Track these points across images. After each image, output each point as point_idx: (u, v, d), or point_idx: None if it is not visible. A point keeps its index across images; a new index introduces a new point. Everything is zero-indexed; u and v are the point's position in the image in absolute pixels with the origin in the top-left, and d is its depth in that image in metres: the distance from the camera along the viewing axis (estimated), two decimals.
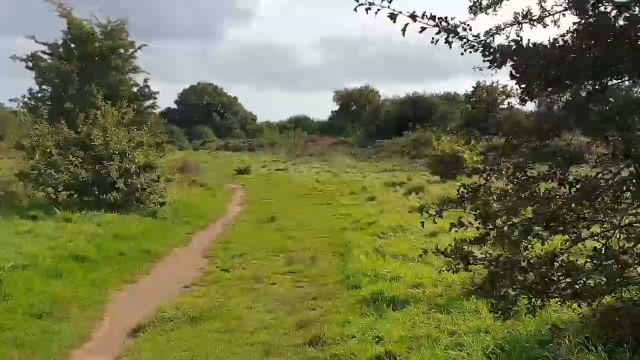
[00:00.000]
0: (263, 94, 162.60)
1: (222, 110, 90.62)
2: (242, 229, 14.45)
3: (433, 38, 4.63)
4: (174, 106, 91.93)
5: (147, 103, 25.90)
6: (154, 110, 26.62)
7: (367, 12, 4.45)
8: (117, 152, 15.48)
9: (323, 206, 18.31)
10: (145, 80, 26.12)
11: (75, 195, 15.46)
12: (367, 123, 62.29)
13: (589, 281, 4.88)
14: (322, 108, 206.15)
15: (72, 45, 24.48)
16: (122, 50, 25.22)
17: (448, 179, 24.54)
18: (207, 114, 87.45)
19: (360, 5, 4.46)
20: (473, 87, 56.00)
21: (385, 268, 8.92)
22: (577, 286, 4.88)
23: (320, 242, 12.38)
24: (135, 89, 25.69)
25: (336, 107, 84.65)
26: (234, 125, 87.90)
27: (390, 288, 7.89)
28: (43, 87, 24.32)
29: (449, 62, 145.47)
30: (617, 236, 4.98)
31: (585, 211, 4.97)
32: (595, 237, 5.11)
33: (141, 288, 9.17)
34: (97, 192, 14.96)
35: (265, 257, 11.07)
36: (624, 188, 4.87)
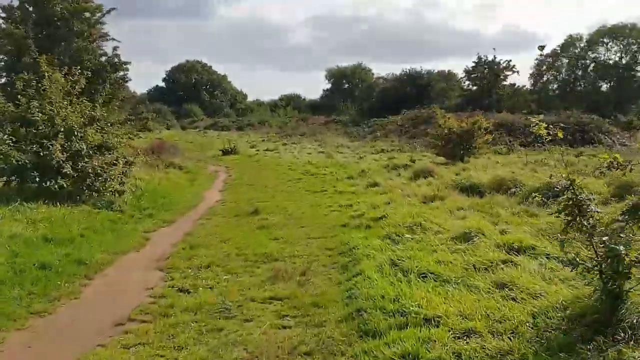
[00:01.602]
0: (253, 73, 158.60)
1: (211, 88, 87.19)
2: (218, 226, 11.38)
3: None
4: (162, 84, 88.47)
5: (118, 75, 22.54)
6: (125, 83, 23.29)
7: None
8: (63, 129, 12.35)
9: (317, 194, 15.28)
10: (115, 49, 22.82)
11: (15, 183, 12.38)
12: (361, 101, 59.19)
13: None
14: (314, 87, 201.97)
15: (30, 9, 21.10)
16: (87, 14, 21.85)
17: (456, 161, 21.60)
18: (195, 92, 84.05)
19: None
20: (474, 62, 53.10)
21: (413, 299, 5.95)
22: None
23: (316, 245, 9.38)
24: (103, 59, 22.36)
25: (328, 86, 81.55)
26: (224, 104, 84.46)
27: (429, 341, 4.94)
28: None
29: (439, 43, 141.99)
30: None
31: None
32: None
33: (48, 331, 6.09)
34: (38, 179, 11.91)
35: (242, 270, 8.06)
36: None
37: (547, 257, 7.39)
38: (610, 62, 75.70)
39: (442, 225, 9.61)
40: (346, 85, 79.27)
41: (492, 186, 13.63)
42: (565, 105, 52.93)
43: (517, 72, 65.33)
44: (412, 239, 8.84)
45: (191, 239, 10.09)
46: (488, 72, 51.65)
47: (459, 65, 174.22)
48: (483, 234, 8.58)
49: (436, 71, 57.25)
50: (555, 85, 79.52)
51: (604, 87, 76.29)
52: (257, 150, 33.33)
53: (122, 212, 12.12)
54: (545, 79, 79.63)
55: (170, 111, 72.69)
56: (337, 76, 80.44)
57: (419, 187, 15.05)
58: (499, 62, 52.82)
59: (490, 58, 53.36)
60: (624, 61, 75.12)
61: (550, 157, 23.77)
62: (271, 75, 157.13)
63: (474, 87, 52.31)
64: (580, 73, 77.88)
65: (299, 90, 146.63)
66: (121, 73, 22.79)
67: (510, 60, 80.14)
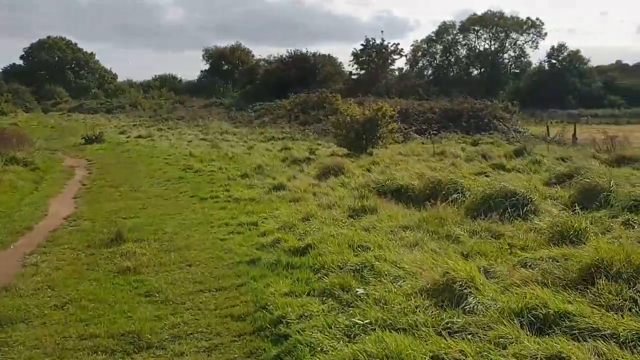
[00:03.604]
0: (124, 52, 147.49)
1: (77, 67, 78.53)
2: (58, 269, 7.31)
3: None
4: (20, 62, 78.35)
5: None
6: None
7: None
8: None
9: (206, 202, 11.52)
10: None
11: None
12: (243, 84, 55.02)
13: None
14: (191, 68, 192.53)
15: None
16: None
17: (360, 152, 18.77)
18: (59, 71, 75.26)
19: None
20: (362, 45, 50.92)
21: None
22: None
23: (214, 308, 5.80)
24: None
25: (207, 67, 76.30)
26: (91, 85, 76.20)
27: None
28: None
29: (315, 26, 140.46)
30: None
31: None
32: None
33: None
34: None
35: None
36: None
37: (603, 339, 4.47)
38: (481, 48, 77.76)
39: (401, 264, 6.45)
40: (226, 67, 74.49)
41: (426, 190, 10.74)
42: (435, 91, 52.81)
43: (406, 55, 64.60)
44: (366, 295, 5.59)
45: (5, 302, 6.08)
46: (376, 56, 49.67)
47: (336, 50, 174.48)
48: (474, 286, 5.54)
49: (321, 54, 54.49)
50: (430, 71, 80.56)
51: (475, 72, 78.32)
52: (128, 137, 28.45)
53: None
54: (420, 64, 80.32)
55: (29, 92, 64.17)
56: (215, 56, 75.36)
57: (334, 190, 11.89)
58: (387, 46, 51.15)
59: (378, 41, 51.60)
60: (493, 48, 77.45)
61: (457, 146, 21.75)
62: (143, 53, 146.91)
63: (362, 71, 50.21)
64: (453, 59, 79.32)
65: (174, 70, 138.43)
66: None
67: (399, 44, 79.93)
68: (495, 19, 76.58)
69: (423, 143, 24.69)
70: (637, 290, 5.27)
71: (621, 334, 4.46)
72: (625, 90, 68.01)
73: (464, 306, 5.15)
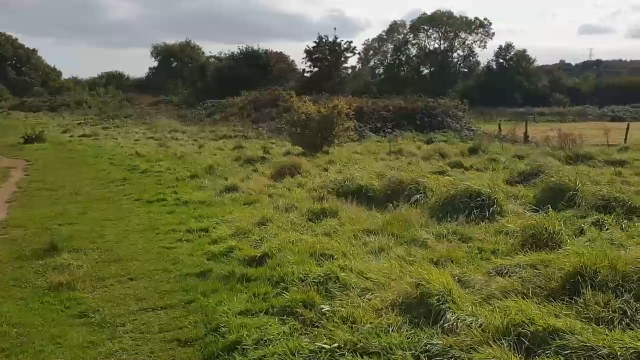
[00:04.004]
0: (69, 48, 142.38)
1: (18, 64, 74.87)
2: None
3: None
4: None
5: None
6: None
7: None
8: None
9: (152, 206, 10.62)
10: None
11: None
12: (194, 81, 53.52)
13: None
14: (138, 65, 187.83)
15: None
16: None
17: (316, 152, 18.16)
18: None
19: None
20: (315, 42, 50.28)
21: None
22: None
23: (158, 331, 5.05)
24: None
25: (155, 64, 74.22)
26: (34, 82, 72.80)
27: None
28: None
29: (266, 25, 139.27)
30: None
31: None
32: None
33: None
34: None
35: None
36: None
37: None
38: (431, 48, 78.49)
39: (368, 274, 5.84)
40: (175, 64, 72.57)
41: (387, 190, 10.21)
42: (387, 90, 52.77)
43: (359, 53, 64.39)
44: (332, 312, 4.96)
45: None
46: (329, 54, 49.10)
47: (287, 48, 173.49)
48: (451, 299, 4.99)
49: (274, 51, 53.49)
50: (382, 70, 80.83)
51: (425, 71, 78.97)
52: (71, 137, 26.97)
53: None
54: (372, 63, 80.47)
55: None
56: (164, 53, 73.33)
57: (291, 191, 11.22)
58: (340, 44, 50.62)
59: (331, 39, 50.97)
60: (442, 47, 78.28)
61: (412, 144, 21.42)
62: (88, 50, 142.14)
63: (316, 69, 49.53)
64: (404, 59, 79.75)
65: (121, 68, 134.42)
66: None
67: (352, 42, 79.62)
68: (445, 18, 77.45)
69: (378, 141, 24.32)
70: (625, 300, 4.83)
71: (619, 352, 3.98)
72: (569, 89, 69.96)
73: (443, 323, 4.59)
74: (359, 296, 5.28)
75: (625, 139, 23.32)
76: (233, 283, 6.05)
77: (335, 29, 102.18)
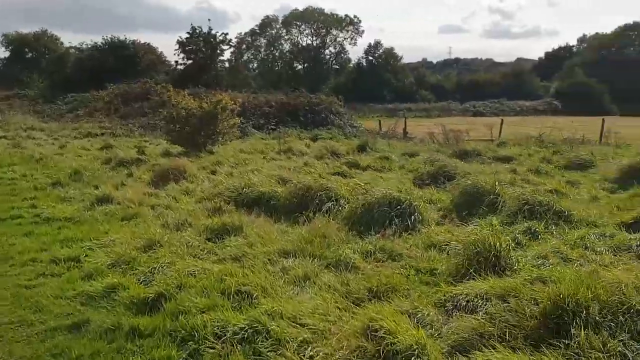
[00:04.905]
0: None
1: None
2: None
3: None
4: None
5: None
6: None
7: None
8: None
9: (5, 225, 8.25)
10: None
11: None
12: (52, 73, 48.35)
13: None
14: None
15: None
16: None
17: (198, 151, 16.45)
18: None
19: None
20: (188, 33, 47.45)
21: None
22: None
23: None
24: None
25: (6, 54, 66.57)
26: None
27: None
28: None
29: (131, 15, 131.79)
30: None
31: None
32: None
33: None
34: None
35: None
36: None
37: None
38: (304, 44, 78.25)
39: (301, 319, 4.51)
40: (30, 55, 65.58)
41: (294, 198, 8.92)
42: (262, 85, 51.57)
43: (235, 46, 62.18)
44: None
45: None
46: (204, 45, 46.51)
47: (155, 40, 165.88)
48: (420, 352, 3.83)
49: (141, 42, 49.69)
50: (256, 64, 79.38)
51: (299, 67, 78.66)
52: None
53: None
54: (245, 57, 78.69)
55: None
56: (16, 43, 65.96)
57: (178, 201, 9.55)
58: (215, 35, 48.13)
59: (205, 30, 48.32)
60: (315, 44, 78.38)
61: (301, 142, 20.33)
62: None
63: (190, 61, 46.68)
64: (277, 54, 78.85)
65: None
66: None
67: (227, 34, 76.84)
68: (316, 15, 77.60)
69: (263, 139, 23.00)
70: (622, 341, 3.98)
71: None
72: (432, 85, 73.19)
73: None
74: (299, 355, 3.97)
75: (500, 133, 24.07)
76: (120, 342, 4.43)
77: (209, 19, 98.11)
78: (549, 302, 4.28)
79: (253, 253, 6.38)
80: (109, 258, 6.41)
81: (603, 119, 24.05)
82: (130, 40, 47.23)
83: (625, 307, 4.22)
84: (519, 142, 20.67)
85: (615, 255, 6.09)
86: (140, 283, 5.60)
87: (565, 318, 4.13)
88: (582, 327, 4.00)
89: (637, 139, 22.15)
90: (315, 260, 6.16)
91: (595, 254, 6.20)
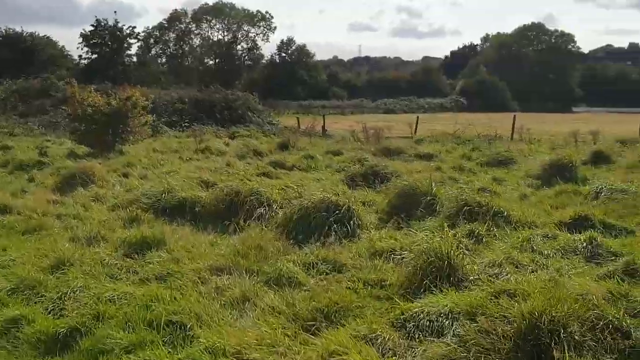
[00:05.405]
0: None
1: None
2: None
3: None
4: None
5: None
6: None
7: None
8: None
9: None
10: None
11: None
12: None
13: None
14: None
15: None
16: None
17: (107, 151, 15.19)
18: None
19: None
20: (93, 26, 44.57)
21: None
22: None
23: None
24: None
25: None
26: None
27: None
28: None
29: (27, 6, 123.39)
30: None
31: None
32: None
33: None
34: None
35: None
36: None
37: None
38: (215, 39, 76.25)
39: (248, 354, 3.84)
40: None
41: (221, 204, 8.14)
42: (173, 80, 49.60)
43: (143, 40, 59.38)
44: None
45: None
46: (110, 39, 43.73)
47: (54, 33, 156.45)
48: None
49: (40, 35, 45.98)
50: (164, 59, 76.39)
51: (211, 63, 76.59)
52: None
53: None
54: (154, 52, 75.58)
55: None
56: None
57: (88, 210, 8.50)
58: (122, 28, 45.35)
59: (111, 23, 45.39)
60: (226, 39, 76.58)
61: (219, 141, 19.39)
62: None
63: (95, 55, 43.70)
64: (187, 49, 76.30)
65: None
66: None
67: (135, 27, 72.95)
68: (227, 10, 75.83)
69: (177, 137, 21.79)
70: None
71: None
72: (344, 83, 73.77)
73: None
74: None
75: (415, 130, 24.26)
76: None
77: (115, 12, 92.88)
78: (524, 321, 3.88)
79: (180, 271, 5.60)
80: (8, 282, 5.38)
81: (514, 116, 24.86)
82: (27, 33, 43.66)
83: (602, 323, 3.90)
84: (435, 139, 20.88)
85: (565, 259, 5.88)
86: (49, 314, 4.68)
87: (542, 338, 3.75)
88: (563, 349, 3.62)
89: (544, 135, 23.08)
90: (253, 276, 5.50)
91: (545, 258, 5.95)
